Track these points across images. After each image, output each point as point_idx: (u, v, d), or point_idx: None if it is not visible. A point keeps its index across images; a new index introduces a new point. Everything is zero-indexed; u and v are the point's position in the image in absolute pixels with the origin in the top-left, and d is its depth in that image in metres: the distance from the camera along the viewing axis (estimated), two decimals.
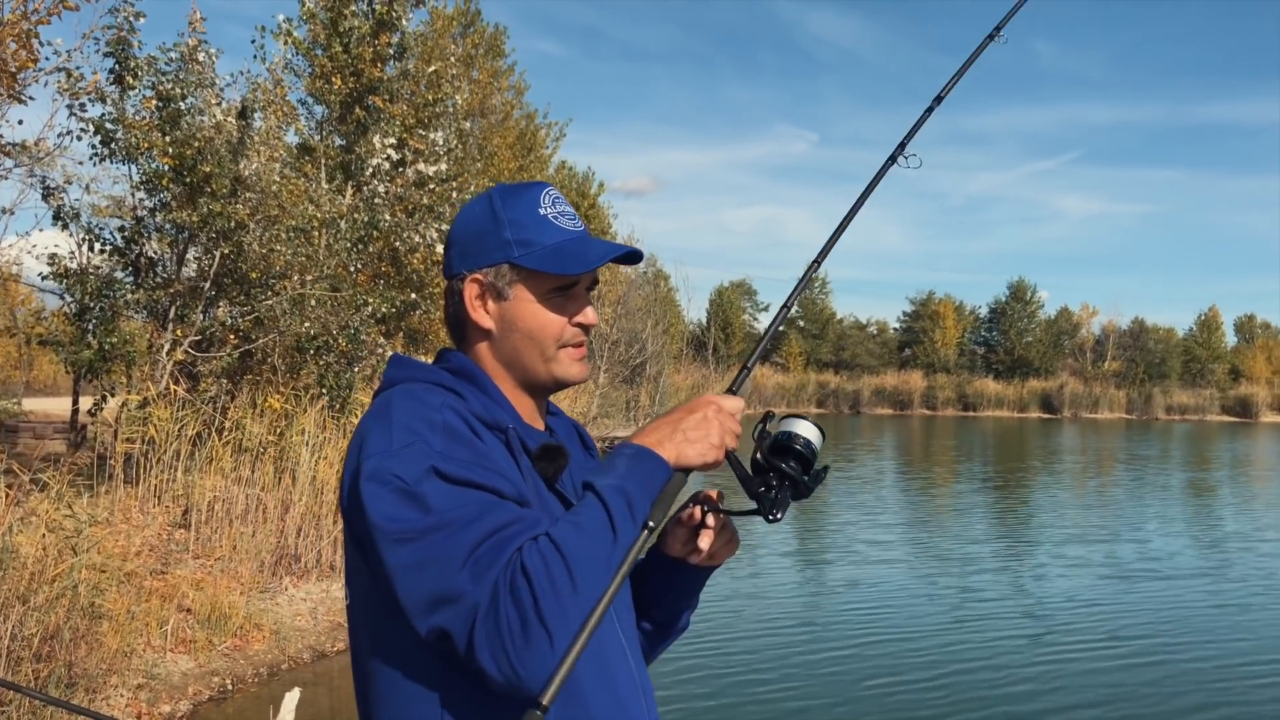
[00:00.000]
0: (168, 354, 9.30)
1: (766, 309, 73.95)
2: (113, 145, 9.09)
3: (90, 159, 9.15)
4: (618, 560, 1.28)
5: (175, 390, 9.15)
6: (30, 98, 8.39)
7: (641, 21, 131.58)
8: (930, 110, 1.92)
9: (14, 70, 7.89)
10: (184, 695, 6.91)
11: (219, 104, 9.62)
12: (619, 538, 1.29)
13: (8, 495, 6.38)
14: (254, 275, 9.67)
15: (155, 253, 9.89)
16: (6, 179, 8.94)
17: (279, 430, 9.55)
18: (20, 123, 14.10)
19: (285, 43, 11.59)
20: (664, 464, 1.38)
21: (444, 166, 11.66)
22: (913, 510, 18.87)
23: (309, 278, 9.62)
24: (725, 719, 7.04)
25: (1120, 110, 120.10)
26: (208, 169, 9.09)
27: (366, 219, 10.66)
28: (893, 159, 1.84)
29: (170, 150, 9.05)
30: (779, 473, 1.48)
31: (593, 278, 1.56)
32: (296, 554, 9.29)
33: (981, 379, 65.87)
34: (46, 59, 8.49)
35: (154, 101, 9.26)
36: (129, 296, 9.35)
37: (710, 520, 1.54)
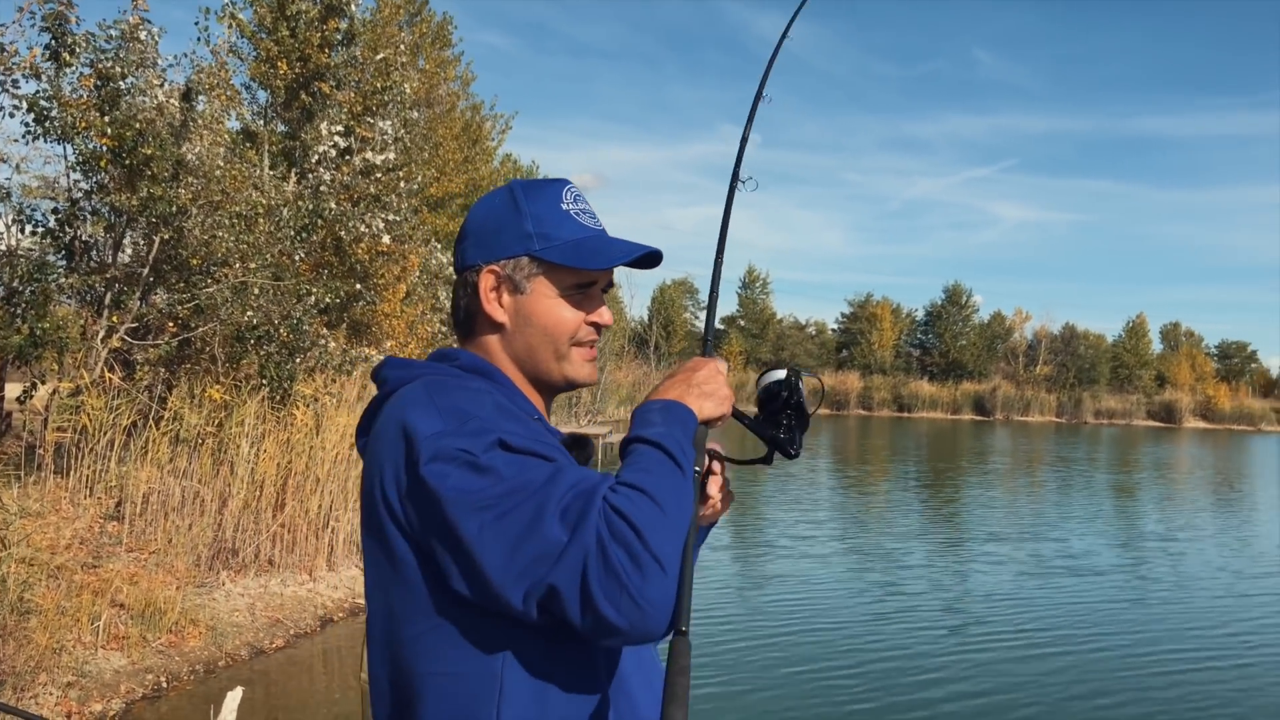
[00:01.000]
0: (102, 341, 9.02)
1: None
2: (47, 124, 8.77)
3: (23, 137, 8.83)
4: (688, 493, 1.28)
5: (110, 378, 8.88)
6: None
7: (588, 18, 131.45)
8: (745, 139, 1.92)
9: None
10: (116, 693, 6.70)
11: (161, 85, 9.34)
12: (684, 474, 1.29)
13: None
14: (195, 262, 9.42)
15: (90, 236, 9.57)
16: None
17: (218, 421, 9.32)
18: None
19: (230, 25, 11.32)
20: (692, 413, 1.38)
21: (391, 155, 11.47)
22: (844, 508, 19.13)
23: (251, 265, 9.39)
24: None
25: (1055, 121, 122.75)
26: (148, 151, 8.82)
27: (311, 207, 10.45)
28: (732, 188, 1.84)
29: (109, 131, 8.76)
30: (782, 413, 1.56)
31: (609, 278, 1.55)
32: (234, 548, 9.09)
33: (917, 381, 66.92)
34: None
35: (92, 80, 8.96)
36: (62, 281, 9.04)
37: (716, 467, 1.52)
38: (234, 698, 5.51)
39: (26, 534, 7.26)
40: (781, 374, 1.60)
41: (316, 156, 11.24)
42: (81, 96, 8.91)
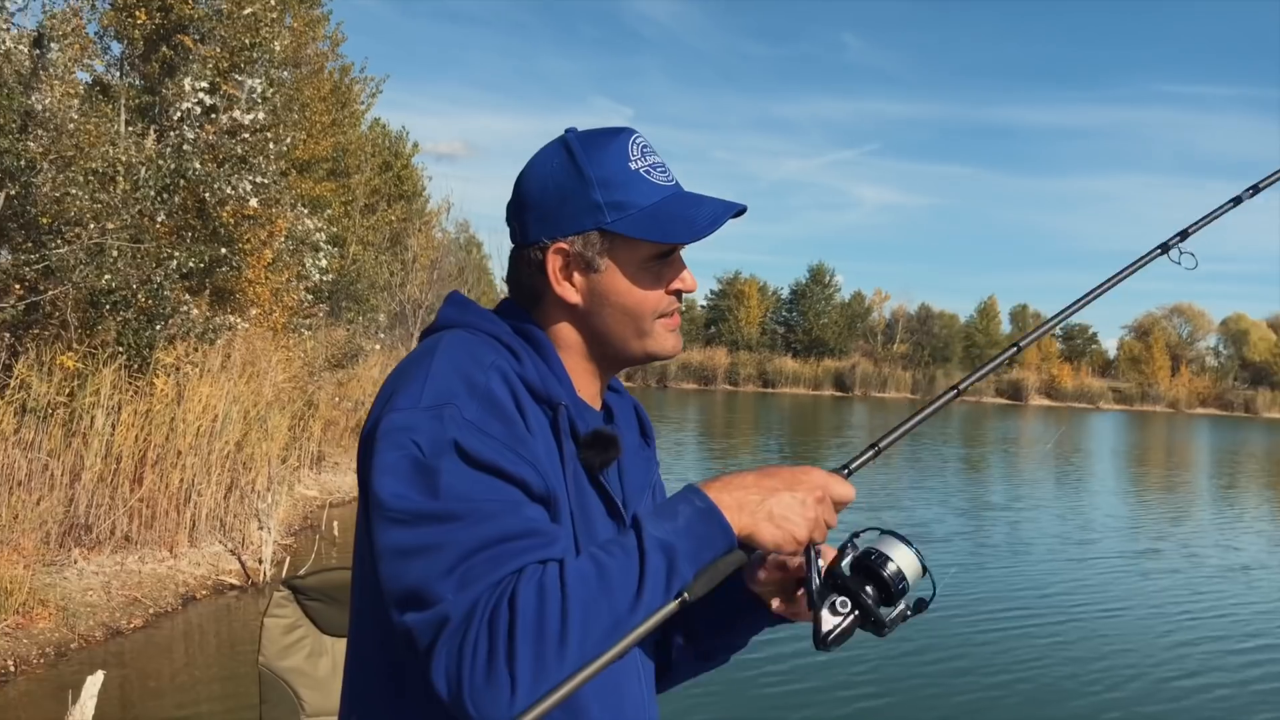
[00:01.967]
0: None
1: None
2: None
3: None
4: (629, 627, 1.09)
5: None
6: None
7: None
8: None
9: None
10: None
11: (8, 29, 8.70)
12: (641, 602, 1.10)
13: None
14: (45, 221, 8.84)
15: None
16: None
17: (69, 390, 8.81)
18: None
19: None
20: (730, 534, 1.18)
21: (260, 115, 10.98)
22: (698, 480, 19.45)
23: (109, 226, 8.88)
24: None
25: (917, 106, 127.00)
26: None
27: (173, 166, 9.93)
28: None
29: None
30: (853, 597, 1.25)
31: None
32: (88, 524, 8.63)
33: (781, 357, 68.41)
34: None
35: None
36: None
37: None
38: (94, 682, 5.27)
39: None
40: (911, 563, 1.27)
41: (179, 114, 10.67)
42: None
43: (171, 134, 10.79)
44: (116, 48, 12.06)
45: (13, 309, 8.69)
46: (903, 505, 16.57)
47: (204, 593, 8.75)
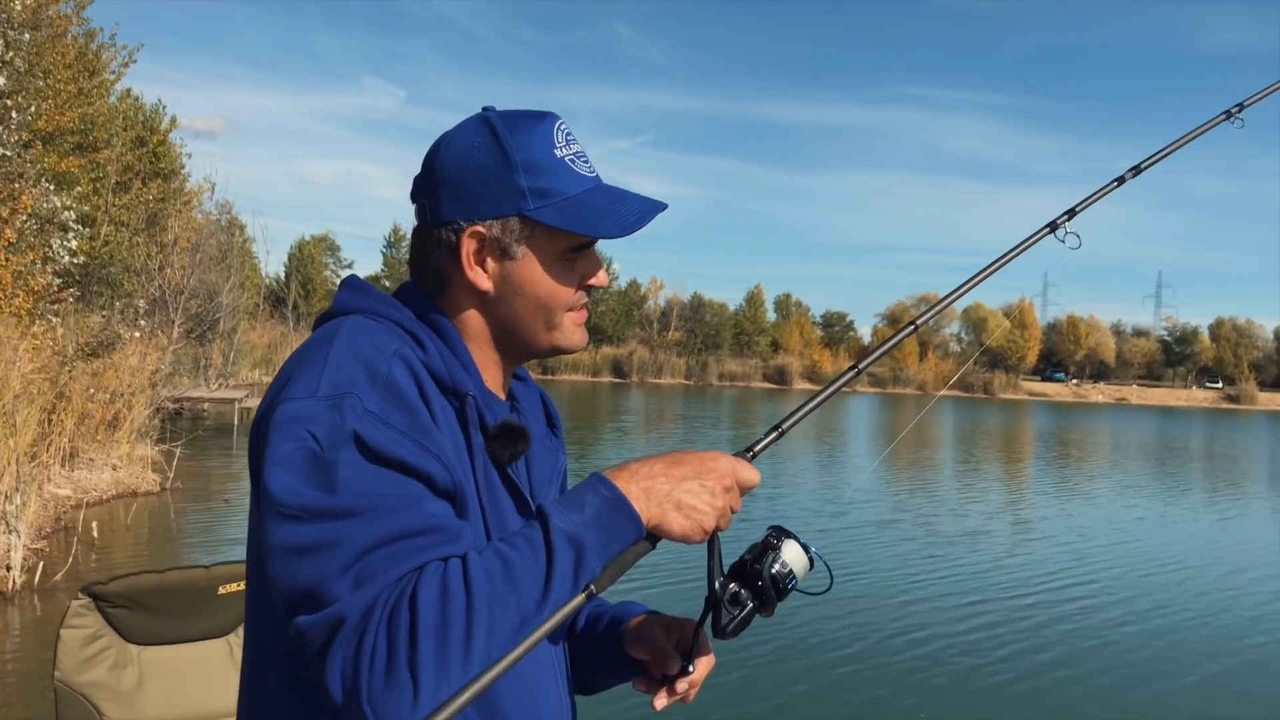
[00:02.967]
0: None
1: (351, 265, 71.78)
2: None
3: None
4: (535, 624, 1.05)
5: None
6: None
7: None
8: None
9: None
10: None
11: None
12: (549, 597, 1.06)
13: None
14: None
15: None
16: None
17: None
18: None
19: None
20: (639, 524, 1.14)
21: (2, 81, 10.04)
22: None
23: None
24: None
25: (688, 100, 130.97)
26: None
27: None
28: None
29: None
30: (752, 589, 1.28)
31: None
32: None
33: None
34: None
35: None
36: None
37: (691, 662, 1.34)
38: None
39: None
40: (801, 564, 1.32)
41: None
42: None
43: None
44: None
45: None
46: None
47: None
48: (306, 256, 66.69)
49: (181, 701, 2.27)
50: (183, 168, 30.69)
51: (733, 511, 1.21)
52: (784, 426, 1.38)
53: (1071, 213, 1.70)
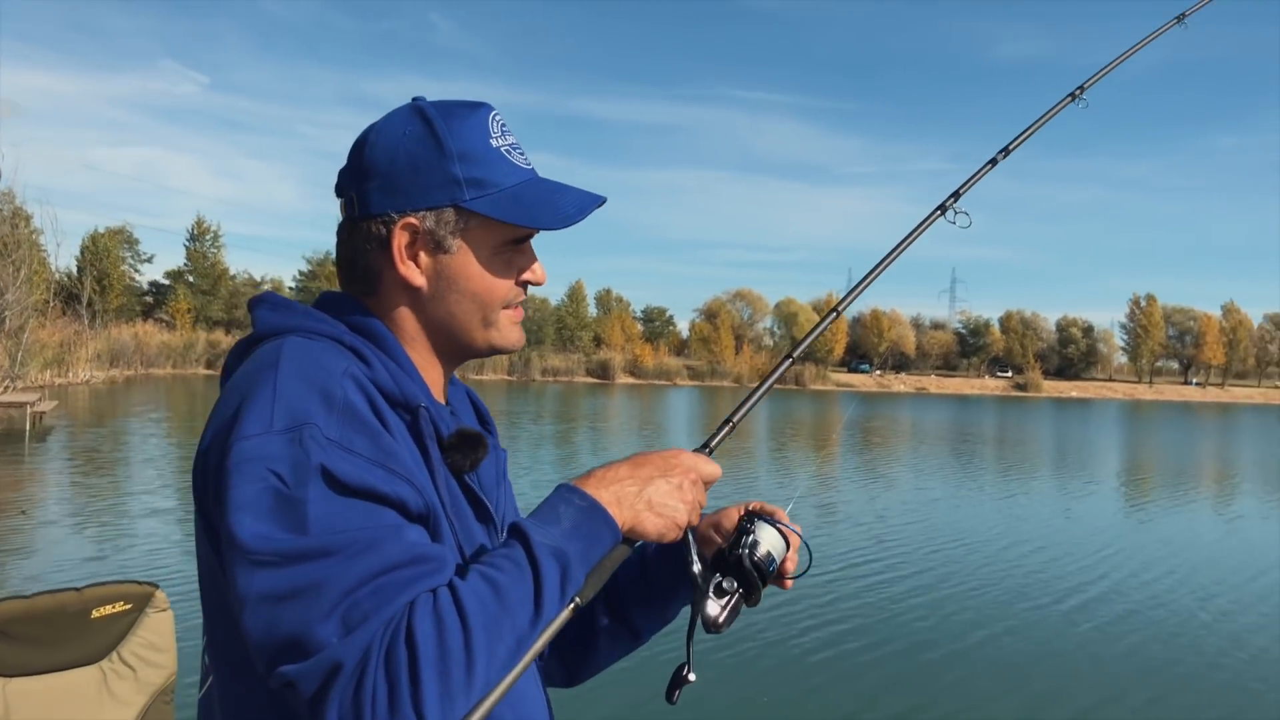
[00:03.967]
0: None
1: (151, 260, 68.21)
2: None
3: None
4: (530, 642, 1.04)
5: None
6: None
7: None
8: None
9: None
10: None
11: None
12: (541, 615, 1.05)
13: None
14: None
15: None
16: None
17: None
18: None
19: None
20: (615, 529, 1.14)
21: None
22: None
23: None
24: None
25: (506, 93, 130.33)
26: None
27: None
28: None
29: None
30: (738, 575, 1.28)
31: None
32: None
33: None
34: None
35: None
36: None
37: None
38: None
39: None
40: (779, 546, 1.32)
41: None
42: None
43: None
44: None
45: None
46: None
47: None
48: (101, 250, 62.74)
49: None
50: None
51: (700, 506, 1.22)
52: (734, 419, 1.40)
53: (956, 194, 1.78)
